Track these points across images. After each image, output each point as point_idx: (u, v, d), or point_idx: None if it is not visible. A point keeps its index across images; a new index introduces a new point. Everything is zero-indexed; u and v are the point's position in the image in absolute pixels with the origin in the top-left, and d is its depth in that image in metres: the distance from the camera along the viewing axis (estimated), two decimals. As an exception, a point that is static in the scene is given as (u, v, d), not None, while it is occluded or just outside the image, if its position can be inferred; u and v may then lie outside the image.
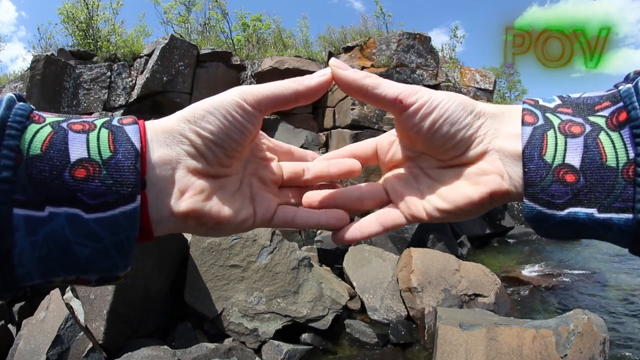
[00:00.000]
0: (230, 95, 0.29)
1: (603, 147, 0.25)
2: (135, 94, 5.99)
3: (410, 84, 0.33)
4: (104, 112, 5.96)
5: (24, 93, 5.42)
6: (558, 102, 0.29)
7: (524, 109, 0.28)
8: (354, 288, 3.25)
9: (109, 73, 6.13)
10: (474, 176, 0.30)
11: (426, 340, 2.68)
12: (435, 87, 5.86)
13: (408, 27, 8.40)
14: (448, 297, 2.93)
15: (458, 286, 3.01)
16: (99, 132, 0.26)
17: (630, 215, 0.24)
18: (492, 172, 0.29)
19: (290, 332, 2.58)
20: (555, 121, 0.27)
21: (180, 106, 0.31)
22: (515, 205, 6.21)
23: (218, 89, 0.33)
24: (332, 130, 6.04)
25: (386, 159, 0.37)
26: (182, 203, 0.28)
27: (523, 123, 0.28)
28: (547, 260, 4.71)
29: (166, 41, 6.04)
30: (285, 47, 8.00)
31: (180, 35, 7.10)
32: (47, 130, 0.24)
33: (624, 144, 0.24)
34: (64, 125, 0.25)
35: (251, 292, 2.65)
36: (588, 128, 0.26)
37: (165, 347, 2.13)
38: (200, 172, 0.29)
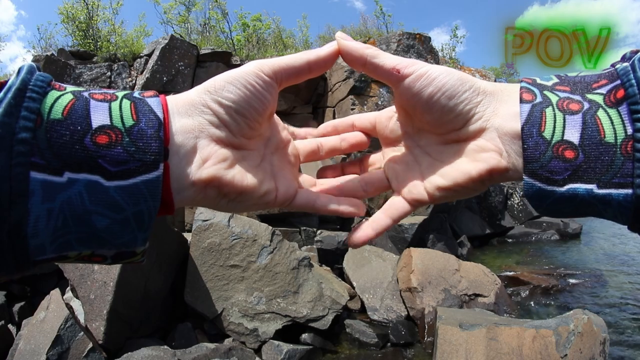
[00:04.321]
0: (249, 66, 0.30)
1: (601, 124, 0.25)
2: (135, 94, 5.99)
3: None
4: (104, 112, 5.95)
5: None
6: (556, 80, 0.29)
7: (521, 87, 0.29)
8: (354, 288, 3.25)
9: (109, 73, 6.12)
10: (472, 153, 0.30)
11: (426, 340, 2.68)
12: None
13: (408, 27, 8.41)
14: (448, 297, 2.93)
15: (458, 286, 3.01)
16: (121, 102, 0.25)
17: (629, 191, 0.24)
18: (490, 150, 0.29)
19: (290, 332, 2.58)
20: (554, 98, 0.27)
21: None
22: (515, 205, 6.21)
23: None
24: (332, 130, 6.04)
25: (385, 134, 0.38)
26: (203, 171, 0.27)
27: (521, 101, 0.28)
28: (547, 260, 4.71)
29: (166, 41, 6.03)
30: (285, 47, 8.00)
31: (180, 35, 7.10)
32: (69, 97, 0.24)
33: (622, 121, 0.24)
34: (85, 94, 0.25)
35: (251, 292, 2.65)
36: (586, 105, 0.26)
37: (165, 347, 2.13)
38: (224, 141, 0.29)
